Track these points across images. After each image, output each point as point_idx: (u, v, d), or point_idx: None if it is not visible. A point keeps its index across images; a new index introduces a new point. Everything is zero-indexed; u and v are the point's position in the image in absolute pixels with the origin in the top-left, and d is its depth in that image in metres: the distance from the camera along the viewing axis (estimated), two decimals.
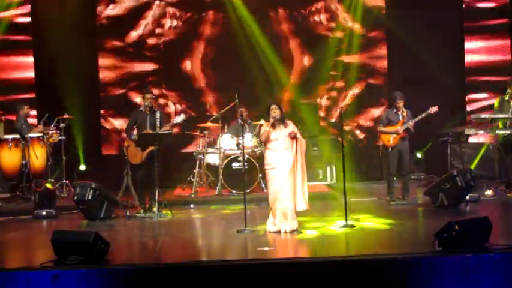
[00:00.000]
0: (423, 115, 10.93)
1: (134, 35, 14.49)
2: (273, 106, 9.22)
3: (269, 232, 9.06)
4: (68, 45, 13.65)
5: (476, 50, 14.39)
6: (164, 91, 14.57)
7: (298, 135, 9.22)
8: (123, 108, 13.91)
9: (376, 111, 14.41)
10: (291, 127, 9.22)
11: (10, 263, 8.07)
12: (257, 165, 11.81)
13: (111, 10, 14.44)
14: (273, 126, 9.17)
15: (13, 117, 12.38)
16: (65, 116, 12.41)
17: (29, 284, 7.11)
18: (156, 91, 14.02)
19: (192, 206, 11.58)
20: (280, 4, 14.62)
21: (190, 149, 13.91)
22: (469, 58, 14.37)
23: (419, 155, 13.52)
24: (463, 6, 14.46)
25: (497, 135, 11.56)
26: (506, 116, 11.39)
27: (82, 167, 13.26)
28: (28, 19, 13.94)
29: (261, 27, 14.14)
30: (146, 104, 10.80)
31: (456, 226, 7.43)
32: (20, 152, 12.05)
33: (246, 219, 9.22)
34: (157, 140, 10.50)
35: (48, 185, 11.50)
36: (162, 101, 14.46)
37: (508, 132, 11.39)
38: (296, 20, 14.59)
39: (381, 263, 7.32)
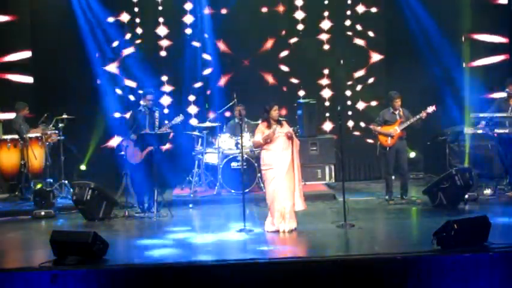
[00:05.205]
0: (419, 115, 10.91)
1: None
2: (276, 106, 9.18)
3: (268, 232, 9.07)
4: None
5: None
6: None
7: (293, 135, 9.24)
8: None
9: None
10: (286, 127, 9.22)
11: (9, 263, 8.07)
12: (256, 164, 11.80)
13: None
14: (270, 126, 9.15)
15: (12, 117, 12.34)
16: (64, 116, 12.37)
17: (28, 284, 7.13)
18: None
19: (190, 205, 11.56)
20: None
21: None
22: None
23: (412, 154, 13.49)
24: None
25: (496, 134, 11.57)
26: (505, 115, 11.39)
27: (82, 167, 13.21)
28: None
29: None
30: (145, 104, 10.80)
31: (455, 225, 7.45)
32: (19, 152, 12.03)
33: (244, 219, 9.22)
34: (156, 140, 10.51)
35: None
36: None
37: (506, 131, 11.39)
38: None
39: (380, 262, 7.33)
